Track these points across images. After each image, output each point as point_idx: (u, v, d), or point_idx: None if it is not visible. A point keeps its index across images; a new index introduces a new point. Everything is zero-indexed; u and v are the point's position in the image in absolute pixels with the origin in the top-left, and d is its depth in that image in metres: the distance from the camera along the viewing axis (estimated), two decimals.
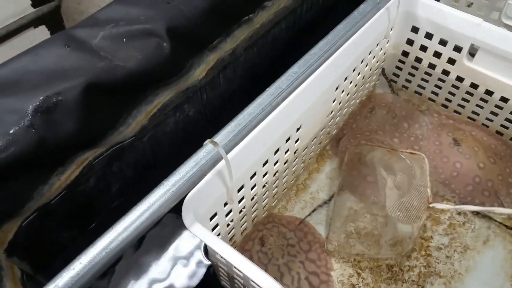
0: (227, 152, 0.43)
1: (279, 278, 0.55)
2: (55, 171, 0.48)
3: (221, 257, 0.38)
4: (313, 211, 0.65)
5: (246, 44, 0.68)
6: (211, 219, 0.46)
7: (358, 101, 0.76)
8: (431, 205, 0.52)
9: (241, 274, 0.38)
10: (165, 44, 0.54)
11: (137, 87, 0.53)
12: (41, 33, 1.22)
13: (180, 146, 0.65)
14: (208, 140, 0.41)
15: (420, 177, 0.56)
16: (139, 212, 0.36)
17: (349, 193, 0.62)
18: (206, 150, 0.41)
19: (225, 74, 0.68)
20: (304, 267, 0.57)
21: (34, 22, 1.21)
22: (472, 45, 0.66)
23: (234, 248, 0.55)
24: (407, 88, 0.79)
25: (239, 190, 0.49)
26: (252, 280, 0.37)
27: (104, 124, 0.51)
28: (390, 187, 0.55)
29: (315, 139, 0.65)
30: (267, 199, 0.60)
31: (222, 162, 0.42)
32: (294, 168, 0.64)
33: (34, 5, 1.18)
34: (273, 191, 0.60)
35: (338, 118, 0.70)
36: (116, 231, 0.35)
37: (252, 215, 0.58)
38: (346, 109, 0.72)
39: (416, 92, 0.78)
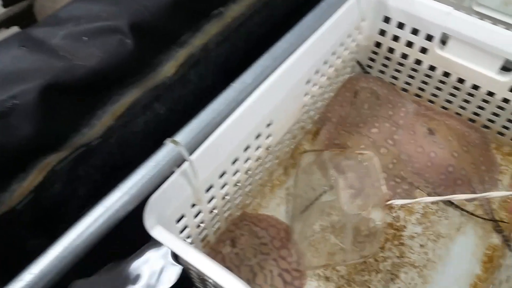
0: (191, 151, 0.42)
1: (252, 278, 0.54)
2: (15, 178, 0.46)
3: (184, 260, 0.37)
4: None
5: (218, 39, 0.67)
6: (179, 221, 0.45)
7: (335, 87, 0.75)
8: (388, 203, 0.51)
9: (210, 280, 0.37)
10: (128, 41, 0.52)
11: (100, 87, 0.51)
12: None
13: (151, 146, 0.63)
14: (168, 139, 0.40)
15: (373, 175, 0.55)
16: (94, 217, 0.35)
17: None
18: (167, 150, 0.40)
19: (196, 70, 0.67)
20: (278, 264, 0.56)
21: (5, 23, 1.17)
22: (443, 33, 0.65)
23: (207, 249, 0.55)
24: (381, 79, 0.79)
25: (208, 190, 0.48)
26: (218, 284, 0.36)
27: (66, 126, 0.49)
28: (343, 187, 0.54)
29: (288, 134, 0.64)
30: (241, 197, 0.59)
31: (187, 162, 0.41)
32: (267, 164, 0.63)
33: (4, 4, 1.15)
34: (246, 189, 0.60)
35: (312, 112, 0.69)
36: (69, 238, 0.34)
37: (225, 214, 0.57)
38: (320, 102, 0.71)
39: (390, 83, 0.78)
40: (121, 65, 0.51)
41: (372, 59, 0.77)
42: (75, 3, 0.55)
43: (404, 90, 0.78)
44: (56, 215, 0.54)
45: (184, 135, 0.42)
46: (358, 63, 0.79)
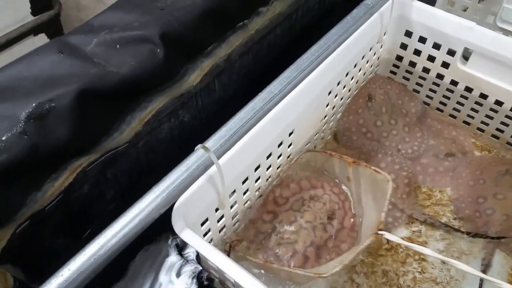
0: (219, 157, 0.43)
1: None
2: (48, 178, 0.48)
3: (212, 263, 0.38)
4: None
5: (241, 50, 0.69)
6: (202, 224, 0.46)
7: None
8: (379, 232, 0.48)
9: (232, 281, 0.38)
10: (158, 50, 0.54)
11: (131, 94, 0.53)
12: (41, 41, 1.23)
13: (175, 152, 0.65)
14: (199, 145, 0.42)
15: (379, 199, 0.54)
16: (129, 218, 0.36)
17: None
18: (197, 155, 0.41)
19: (220, 80, 0.69)
20: None
21: (33, 30, 1.22)
22: (465, 48, 0.66)
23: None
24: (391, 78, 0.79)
25: (231, 195, 0.49)
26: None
27: (98, 130, 0.51)
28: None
29: (309, 144, 0.65)
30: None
31: (214, 168, 0.42)
32: (287, 172, 0.63)
33: (33, 13, 1.19)
34: None
35: (332, 122, 0.70)
36: (105, 237, 0.35)
37: (243, 223, 0.58)
38: (340, 113, 0.72)
39: (401, 83, 0.77)
40: (151, 73, 0.54)
41: (393, 72, 0.77)
42: (108, 12, 0.58)
43: (426, 103, 0.78)
44: (83, 216, 0.56)
45: (213, 141, 0.43)
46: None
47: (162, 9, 0.58)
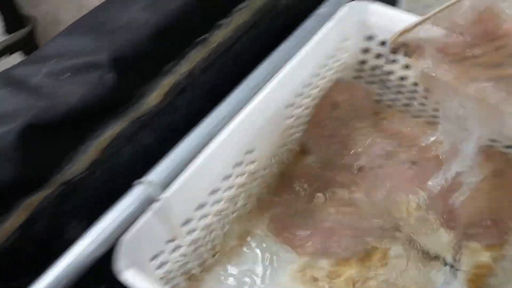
0: (164, 188, 0.42)
1: None
2: None
3: None
4: None
5: (203, 65, 0.67)
6: (153, 259, 0.45)
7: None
8: None
9: None
10: (110, 75, 0.53)
11: (82, 122, 0.52)
12: (18, 60, 1.22)
13: (140, 175, 0.64)
14: (137, 181, 0.41)
15: None
16: (62, 266, 0.36)
17: None
18: (138, 192, 0.40)
19: (183, 97, 0.67)
20: None
21: (9, 49, 1.21)
22: None
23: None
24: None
25: (185, 224, 0.48)
26: None
27: (49, 163, 0.50)
28: None
29: (276, 157, 0.64)
30: (227, 225, 0.59)
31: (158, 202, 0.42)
32: (255, 190, 0.63)
33: (8, 31, 1.19)
34: (233, 215, 0.60)
35: (300, 133, 0.69)
36: None
37: (208, 246, 0.57)
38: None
39: (376, 100, 0.77)
40: (103, 100, 0.52)
41: (357, 77, 0.76)
42: (59, 38, 0.57)
43: (389, 106, 0.77)
44: (45, 252, 0.55)
45: (155, 174, 0.42)
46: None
47: (113, 32, 0.57)
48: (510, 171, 0.67)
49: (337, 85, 0.74)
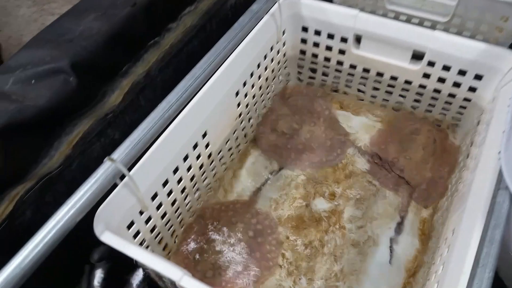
0: (128, 165, 0.49)
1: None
2: None
3: (134, 258, 0.44)
4: None
5: (159, 65, 0.74)
6: (130, 227, 0.52)
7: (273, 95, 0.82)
8: None
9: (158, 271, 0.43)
10: (71, 79, 0.59)
11: (52, 122, 0.58)
12: None
13: None
14: (106, 158, 0.47)
15: None
16: (47, 229, 0.42)
17: None
18: (104, 167, 0.47)
19: (144, 95, 0.74)
20: None
21: None
22: (355, 34, 0.73)
23: (168, 253, 0.61)
24: (312, 84, 0.87)
25: (154, 198, 0.55)
26: (160, 273, 0.42)
27: (26, 159, 0.56)
28: None
29: (229, 142, 0.71)
30: (191, 203, 0.66)
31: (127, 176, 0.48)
32: (214, 171, 0.70)
33: None
34: (196, 195, 0.66)
35: (253, 120, 0.77)
36: (28, 249, 0.41)
37: (178, 219, 0.64)
38: (258, 110, 0.78)
39: (321, 85, 0.85)
40: (68, 101, 0.59)
41: (300, 66, 0.84)
42: (22, 51, 0.63)
43: (335, 90, 0.84)
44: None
45: (119, 152, 0.49)
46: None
47: (71, 41, 0.63)
48: (439, 142, 0.76)
49: (289, 88, 0.81)
